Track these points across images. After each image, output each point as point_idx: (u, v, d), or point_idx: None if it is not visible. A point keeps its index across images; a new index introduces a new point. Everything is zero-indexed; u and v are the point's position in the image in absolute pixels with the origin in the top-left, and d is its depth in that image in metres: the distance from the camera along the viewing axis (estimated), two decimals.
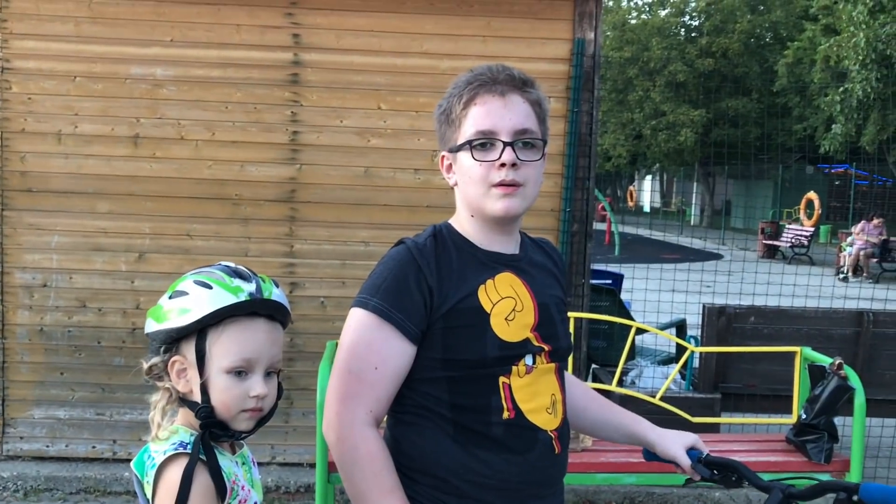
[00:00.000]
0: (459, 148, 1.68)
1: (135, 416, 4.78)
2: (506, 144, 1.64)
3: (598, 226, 23.03)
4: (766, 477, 1.80)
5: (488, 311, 1.63)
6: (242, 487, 1.47)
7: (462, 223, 1.74)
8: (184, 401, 1.46)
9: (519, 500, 1.65)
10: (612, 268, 8.44)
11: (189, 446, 1.40)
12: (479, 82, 1.68)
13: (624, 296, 6.87)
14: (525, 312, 1.67)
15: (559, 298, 1.82)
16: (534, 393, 1.66)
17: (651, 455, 1.91)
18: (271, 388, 1.47)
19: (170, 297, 1.46)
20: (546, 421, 1.67)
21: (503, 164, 1.64)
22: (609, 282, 6.20)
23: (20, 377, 4.77)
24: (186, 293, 1.44)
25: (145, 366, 1.48)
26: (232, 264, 1.52)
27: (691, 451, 1.85)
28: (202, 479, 1.37)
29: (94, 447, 4.79)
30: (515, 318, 1.66)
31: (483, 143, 1.65)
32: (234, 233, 4.75)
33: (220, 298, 1.42)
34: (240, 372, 1.43)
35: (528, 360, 1.66)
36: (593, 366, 5.78)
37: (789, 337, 5.07)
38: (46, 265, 4.72)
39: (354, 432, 1.56)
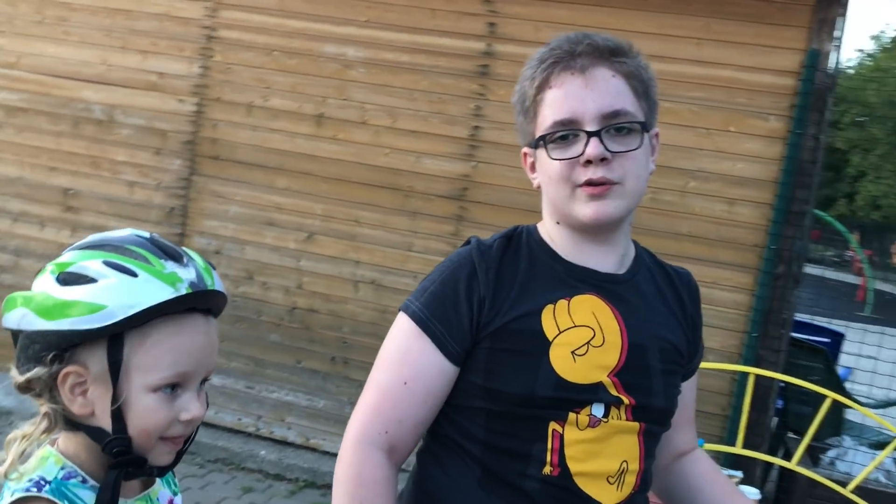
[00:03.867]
0: (537, 143, 1.35)
1: (281, 395, 4.72)
2: (590, 135, 1.29)
3: (851, 279, 20.61)
4: None
5: (550, 339, 1.30)
6: None
7: (548, 229, 1.42)
8: (76, 425, 1.06)
9: None
10: (864, 328, 7.32)
11: (48, 487, 1.01)
12: (553, 58, 1.34)
13: (848, 360, 5.90)
14: (605, 350, 1.31)
15: (670, 345, 1.38)
16: (594, 453, 1.29)
17: None
18: (203, 405, 1.09)
19: (62, 282, 1.03)
20: (603, 492, 1.28)
21: (589, 161, 1.29)
22: (826, 340, 5.32)
23: None
24: (94, 280, 1.02)
25: (20, 378, 1.05)
26: (147, 234, 1.09)
27: None
28: None
29: (239, 419, 4.79)
30: (588, 355, 1.30)
31: (564, 135, 1.32)
32: (401, 225, 4.54)
33: (150, 292, 1.01)
34: (172, 387, 1.05)
35: (597, 409, 1.30)
36: (789, 434, 4.96)
37: None
38: (222, 233, 4.79)
39: (358, 450, 1.30)
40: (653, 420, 1.35)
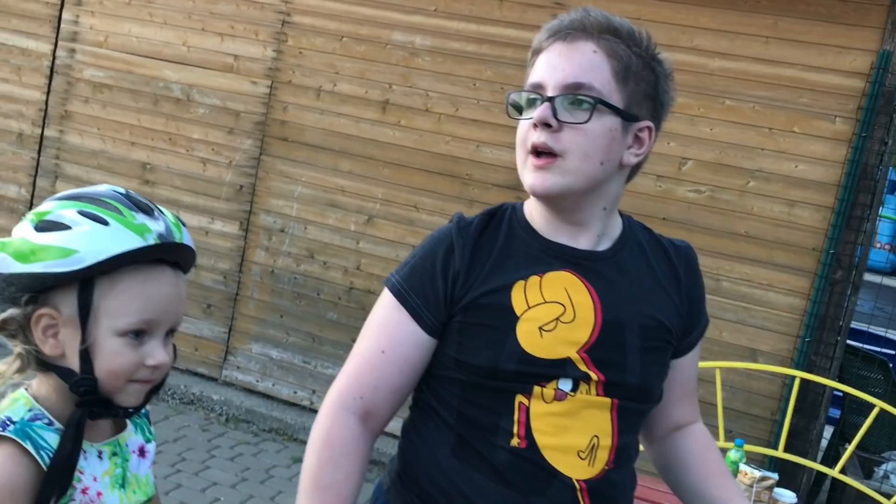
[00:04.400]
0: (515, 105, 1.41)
1: (335, 371, 4.83)
2: (544, 100, 1.31)
3: None
4: None
5: (518, 314, 1.32)
6: (84, 491, 1.11)
7: (530, 205, 1.44)
8: (48, 365, 1.11)
9: None
10: None
11: (12, 428, 1.05)
12: (555, 28, 1.37)
13: None
14: (575, 326, 1.32)
15: (655, 322, 1.37)
16: (562, 427, 1.31)
17: None
18: (169, 354, 1.14)
19: (39, 229, 1.08)
20: (572, 466, 1.30)
21: (535, 125, 1.30)
22: (891, 352, 5.16)
23: (248, 311, 5.08)
24: (68, 227, 1.06)
25: None
26: (123, 189, 1.14)
27: None
28: (14, 471, 1.04)
29: (295, 392, 4.96)
30: (556, 330, 1.31)
31: (532, 99, 1.35)
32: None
33: (120, 240, 1.06)
34: (138, 333, 1.10)
35: (564, 384, 1.31)
36: (846, 445, 4.85)
37: None
38: (287, 212, 4.95)
39: (331, 412, 1.35)
40: (627, 396, 1.34)
